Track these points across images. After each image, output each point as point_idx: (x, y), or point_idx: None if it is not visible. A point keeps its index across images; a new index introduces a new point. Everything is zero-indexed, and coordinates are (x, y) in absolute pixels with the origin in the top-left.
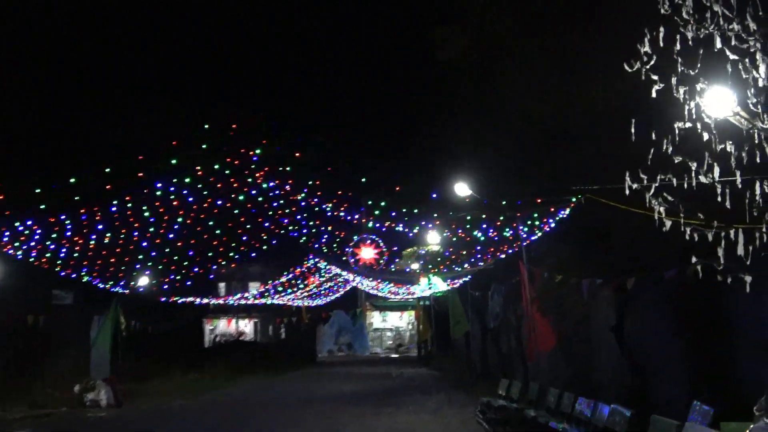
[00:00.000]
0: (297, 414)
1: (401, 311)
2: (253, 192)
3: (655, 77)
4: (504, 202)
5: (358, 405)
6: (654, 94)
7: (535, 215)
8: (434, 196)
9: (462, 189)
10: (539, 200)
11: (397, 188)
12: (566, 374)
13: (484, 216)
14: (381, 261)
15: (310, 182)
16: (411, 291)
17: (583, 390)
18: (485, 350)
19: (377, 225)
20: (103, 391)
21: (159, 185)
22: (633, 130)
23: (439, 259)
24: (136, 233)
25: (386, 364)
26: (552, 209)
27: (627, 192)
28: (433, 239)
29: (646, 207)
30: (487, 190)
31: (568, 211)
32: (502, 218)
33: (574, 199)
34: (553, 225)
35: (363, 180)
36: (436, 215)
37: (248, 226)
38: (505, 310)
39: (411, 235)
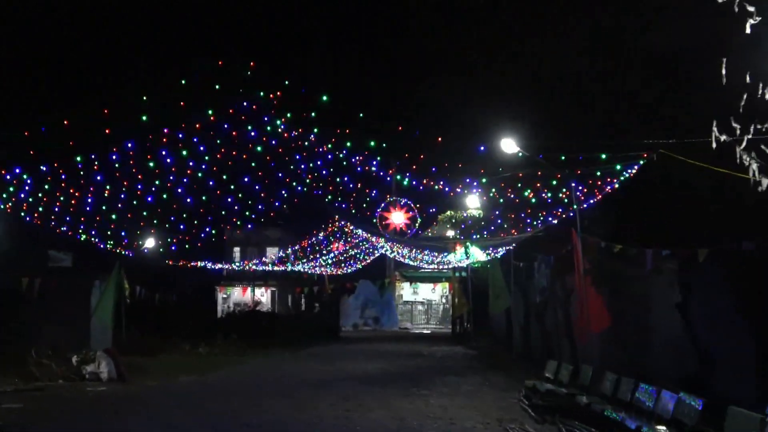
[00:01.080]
0: (316, 395)
1: (434, 283)
2: (273, 142)
3: (751, 8)
4: (563, 157)
5: (384, 386)
6: (748, 29)
7: (598, 174)
8: (482, 149)
9: (509, 145)
10: (603, 156)
11: (438, 139)
12: (620, 358)
13: (539, 174)
14: (413, 226)
15: (338, 131)
16: (446, 260)
17: (637, 376)
18: (528, 328)
19: (413, 182)
20: (104, 363)
21: (166, 131)
22: (723, 73)
23: (480, 224)
24: (140, 186)
25: (417, 340)
26: (618, 167)
27: (714, 145)
28: (474, 202)
29: (736, 164)
30: (539, 147)
31: (635, 169)
32: (555, 180)
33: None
34: (616, 186)
35: (399, 129)
36: (482, 172)
37: (266, 182)
38: (553, 284)
39: (448, 191)
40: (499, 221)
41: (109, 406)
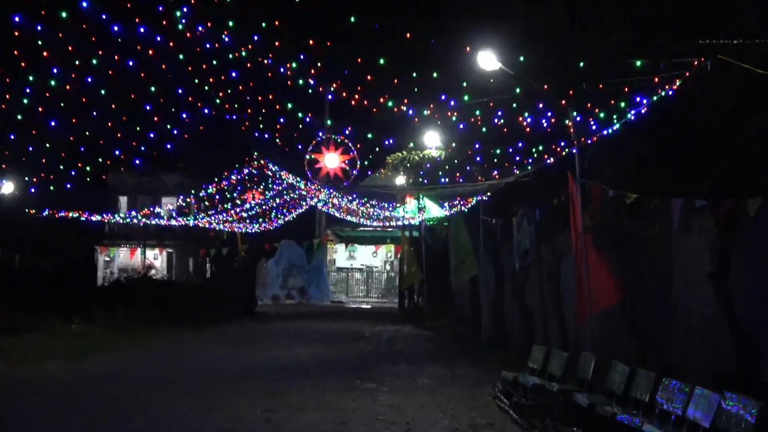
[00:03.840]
0: (227, 391)
1: (376, 245)
2: (171, 44)
3: None
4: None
5: (318, 379)
6: None
7: (630, 86)
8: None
9: (487, 60)
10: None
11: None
12: (630, 344)
13: (518, 93)
14: (352, 172)
15: (263, 27)
16: (394, 216)
17: (656, 369)
18: (502, 304)
19: (353, 105)
20: None
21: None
22: None
23: (444, 169)
24: None
25: (355, 318)
26: (656, 80)
27: None
28: (433, 140)
29: None
30: (532, 60)
31: (676, 85)
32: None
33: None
34: (631, 115)
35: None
36: (445, 98)
37: (161, 101)
38: (539, 246)
39: (411, 115)
40: (467, 168)
41: None
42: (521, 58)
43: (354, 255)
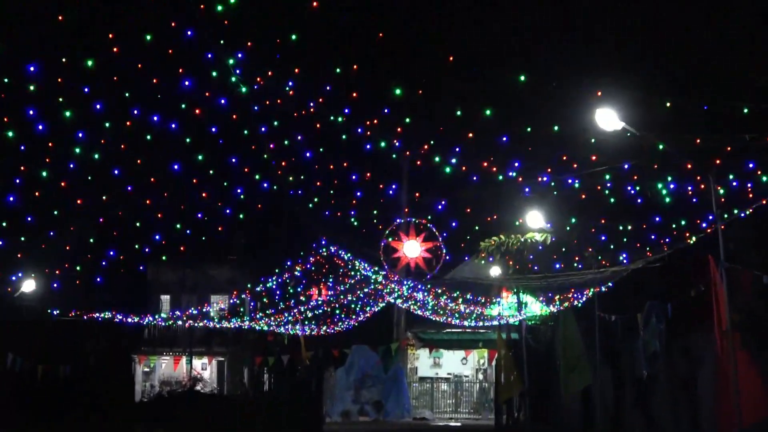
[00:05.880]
0: None
1: (466, 350)
2: (222, 101)
3: None
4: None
5: None
6: None
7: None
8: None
9: (607, 119)
10: None
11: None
12: None
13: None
14: (436, 262)
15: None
16: (486, 314)
17: None
18: (621, 418)
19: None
20: None
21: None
22: None
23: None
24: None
25: None
26: None
27: None
28: (536, 221)
29: None
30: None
31: None
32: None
33: None
34: None
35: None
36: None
37: (210, 172)
38: (670, 348)
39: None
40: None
41: None
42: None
43: (439, 362)
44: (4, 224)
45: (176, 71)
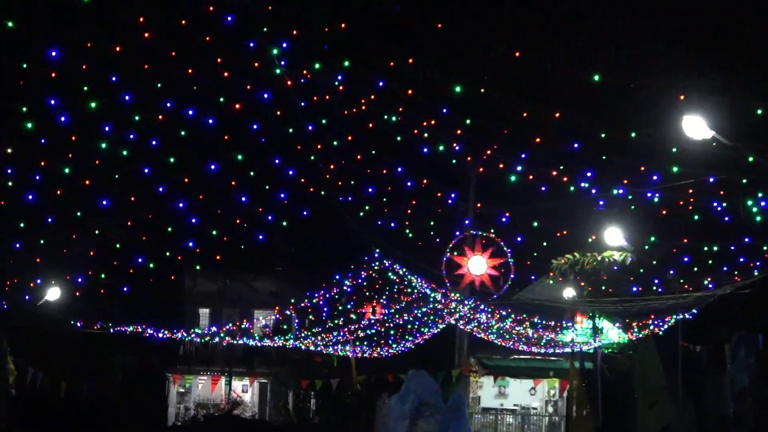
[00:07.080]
0: None
1: (535, 379)
2: (266, 95)
3: None
4: None
5: None
6: None
7: None
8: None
9: (696, 127)
10: None
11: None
12: None
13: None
14: (503, 280)
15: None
16: (557, 340)
17: None
18: None
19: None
20: None
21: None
22: None
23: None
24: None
25: None
26: None
27: None
28: (615, 238)
29: None
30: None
31: None
32: None
33: None
34: None
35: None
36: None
37: (251, 173)
38: (759, 384)
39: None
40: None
41: None
42: None
43: (505, 392)
44: (21, 224)
45: (214, 61)
